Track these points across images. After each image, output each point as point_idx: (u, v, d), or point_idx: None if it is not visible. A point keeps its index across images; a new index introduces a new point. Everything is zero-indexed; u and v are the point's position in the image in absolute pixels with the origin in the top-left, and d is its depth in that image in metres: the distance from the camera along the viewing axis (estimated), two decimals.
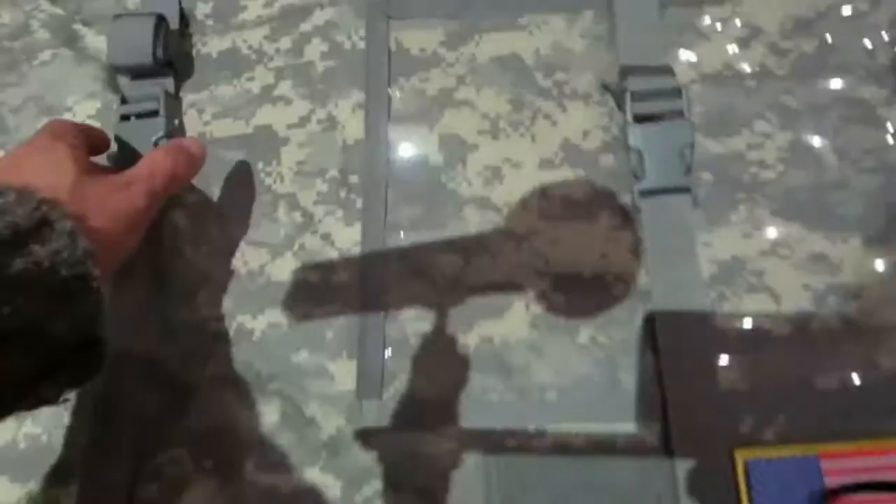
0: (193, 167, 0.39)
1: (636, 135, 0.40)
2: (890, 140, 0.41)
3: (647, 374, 0.38)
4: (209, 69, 0.46)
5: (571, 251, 0.40)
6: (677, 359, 0.38)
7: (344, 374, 0.39)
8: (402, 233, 0.41)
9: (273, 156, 0.44)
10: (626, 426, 0.38)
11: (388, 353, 0.40)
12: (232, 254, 0.42)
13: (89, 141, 0.38)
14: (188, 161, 0.38)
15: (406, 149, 0.43)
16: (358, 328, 0.40)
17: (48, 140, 0.35)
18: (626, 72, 0.42)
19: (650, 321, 0.39)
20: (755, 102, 0.42)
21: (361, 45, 0.45)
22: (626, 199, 0.41)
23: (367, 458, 0.38)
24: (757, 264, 0.39)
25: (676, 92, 0.40)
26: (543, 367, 0.39)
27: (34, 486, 0.39)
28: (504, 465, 0.37)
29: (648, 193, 0.40)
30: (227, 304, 0.41)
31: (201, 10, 0.48)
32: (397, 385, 0.39)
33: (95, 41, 0.48)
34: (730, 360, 0.38)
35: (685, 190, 0.40)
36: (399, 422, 0.38)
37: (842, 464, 0.36)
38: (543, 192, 0.42)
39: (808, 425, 0.37)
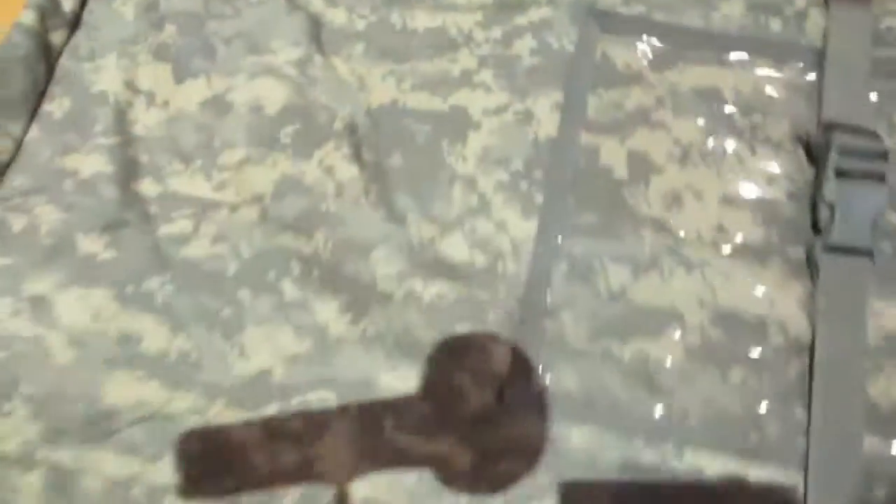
0: None
1: (832, 189, 0.40)
2: None
3: (794, 426, 0.38)
4: (414, 44, 0.48)
5: (739, 290, 0.41)
6: (828, 419, 0.38)
7: (499, 355, 0.40)
8: (576, 236, 0.42)
9: (460, 137, 0.45)
10: (764, 470, 0.38)
11: (546, 344, 0.40)
12: (404, 222, 0.43)
13: None
14: None
15: (593, 156, 0.44)
16: (518, 317, 0.40)
17: None
18: (831, 126, 0.42)
19: (809, 375, 0.39)
20: None
21: (570, 49, 0.46)
22: (800, 251, 0.41)
23: (505, 437, 0.38)
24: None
25: (883, 155, 0.40)
26: (691, 394, 0.39)
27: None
28: (642, 475, 0.37)
29: (830, 250, 0.40)
30: (400, 266, 0.42)
31: None
32: (548, 378, 0.40)
33: None
34: (876, 432, 0.38)
35: (868, 253, 0.40)
36: (543, 410, 0.39)
37: None
38: (721, 228, 0.42)
39: None
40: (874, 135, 0.41)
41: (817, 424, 0.38)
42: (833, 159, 0.40)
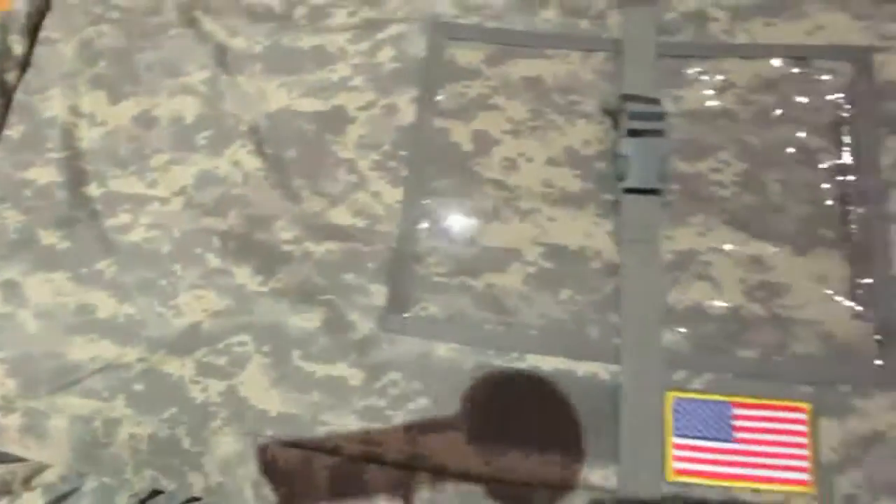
0: None
1: (626, 144, 0.52)
2: (821, 180, 0.52)
3: (609, 329, 0.50)
4: (301, 60, 0.59)
5: (563, 229, 0.52)
6: (635, 322, 0.49)
7: (380, 294, 0.51)
8: (435, 198, 0.53)
9: (341, 130, 0.56)
10: (589, 365, 0.49)
11: (416, 283, 0.51)
12: (299, 199, 0.54)
13: None
14: None
15: (445, 136, 0.55)
16: (393, 264, 0.52)
17: None
18: (625, 98, 0.54)
19: (616, 293, 0.50)
20: (721, 137, 0.54)
21: (422, 54, 0.57)
22: (609, 196, 0.53)
23: (387, 356, 0.49)
24: (705, 257, 0.51)
25: (661, 116, 0.52)
26: (530, 312, 0.50)
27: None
28: (489, 372, 0.49)
29: (629, 192, 0.52)
30: (296, 233, 0.53)
31: (298, 12, 0.61)
32: (418, 308, 0.51)
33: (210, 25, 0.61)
34: (675, 328, 0.49)
35: (657, 192, 0.51)
36: (415, 332, 0.50)
37: (750, 412, 0.47)
38: (547, 182, 0.54)
39: (728, 383, 0.48)
40: (656, 101, 0.53)
41: (626, 327, 0.49)
42: (625, 122, 0.52)
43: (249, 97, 0.58)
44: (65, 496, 0.50)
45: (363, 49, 0.59)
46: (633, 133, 0.52)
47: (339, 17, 0.60)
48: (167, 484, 0.48)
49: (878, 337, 0.48)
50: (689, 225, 0.52)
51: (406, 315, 0.50)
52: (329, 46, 0.59)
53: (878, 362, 0.48)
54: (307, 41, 0.60)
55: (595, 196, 0.53)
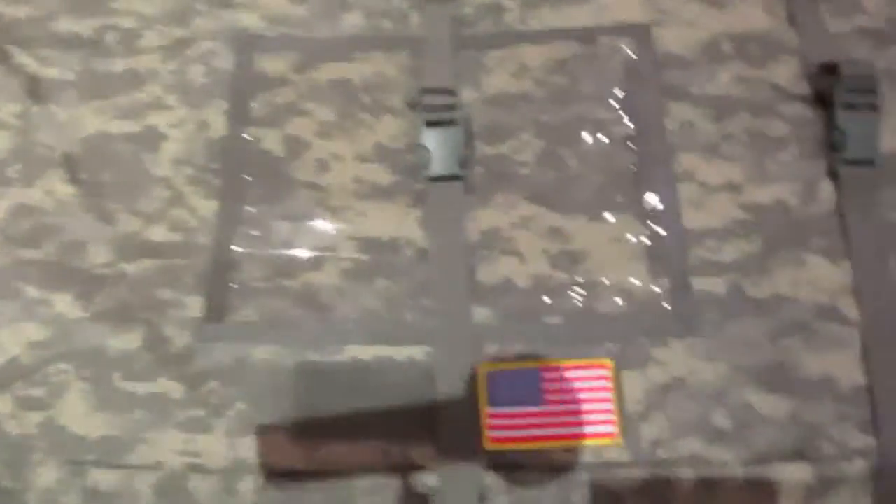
0: None
1: (426, 136, 0.54)
2: (613, 150, 0.55)
3: (423, 312, 0.51)
4: (114, 84, 0.59)
5: (375, 222, 0.54)
6: (446, 301, 0.51)
7: (197, 306, 0.52)
8: (249, 205, 0.54)
9: (155, 149, 0.57)
10: (406, 350, 0.50)
11: (233, 291, 0.52)
12: (113, 221, 0.55)
13: None
14: None
15: (256, 144, 0.56)
16: (210, 274, 0.52)
17: None
18: (424, 91, 0.56)
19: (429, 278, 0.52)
20: (520, 119, 0.56)
21: (230, 68, 0.59)
22: (416, 186, 0.55)
23: (205, 366, 0.50)
24: (509, 233, 0.53)
25: (453, 106, 0.54)
26: (347, 305, 0.52)
27: None
28: (308, 368, 0.50)
29: (433, 180, 0.54)
30: (110, 256, 0.53)
31: (110, 37, 0.61)
32: (235, 315, 0.52)
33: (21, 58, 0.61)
34: (485, 304, 0.51)
35: (459, 178, 0.54)
36: (232, 339, 0.50)
37: (557, 374, 0.49)
38: (357, 179, 0.55)
39: (538, 350, 0.50)
40: (452, 93, 0.56)
41: (438, 307, 0.51)
42: (423, 115, 0.54)
43: (63, 125, 0.58)
44: None
45: (173, 68, 0.59)
46: (431, 124, 0.54)
47: (150, 38, 0.61)
48: None
49: (668, 288, 0.51)
50: (492, 205, 0.54)
51: (221, 324, 0.51)
52: (140, 68, 0.60)
53: (668, 307, 0.50)
54: (119, 65, 0.60)
55: (404, 187, 0.55)
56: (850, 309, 0.51)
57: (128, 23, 0.62)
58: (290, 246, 0.53)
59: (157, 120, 0.58)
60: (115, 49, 0.61)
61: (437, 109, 0.54)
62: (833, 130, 0.54)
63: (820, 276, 0.52)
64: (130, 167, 0.57)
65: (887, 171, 0.54)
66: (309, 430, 0.48)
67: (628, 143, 0.55)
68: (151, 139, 0.57)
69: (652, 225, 0.53)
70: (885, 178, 0.54)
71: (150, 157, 0.57)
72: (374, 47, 0.59)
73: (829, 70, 0.56)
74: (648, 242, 0.53)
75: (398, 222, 0.54)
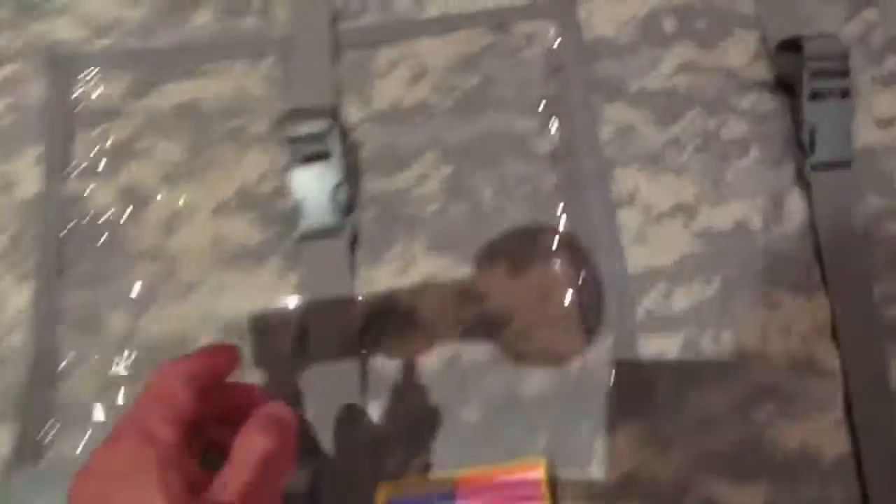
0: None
1: (296, 177, 0.42)
2: (536, 171, 0.44)
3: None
4: None
5: (239, 299, 0.42)
6: (328, 405, 0.40)
7: (6, 439, 0.40)
8: (72, 290, 0.43)
9: None
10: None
11: (54, 420, 0.41)
12: None
13: (205, 382, 0.32)
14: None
15: (83, 204, 0.44)
16: (26, 390, 0.41)
17: (135, 459, 0.28)
18: (291, 116, 0.44)
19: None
20: (420, 138, 0.45)
21: (43, 98, 0.45)
22: (291, 244, 0.43)
23: None
24: (409, 301, 0.42)
25: (321, 136, 0.42)
26: None
27: None
28: None
29: (304, 238, 0.42)
30: None
31: None
32: (56, 450, 0.40)
33: None
34: (379, 402, 0.41)
35: (337, 232, 0.42)
36: (52, 484, 0.40)
37: (477, 486, 0.39)
38: (216, 240, 0.43)
39: (451, 456, 0.40)
40: (324, 112, 0.43)
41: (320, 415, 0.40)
42: (290, 148, 0.42)
43: None
44: None
45: None
46: (302, 160, 0.42)
47: None
48: None
49: (610, 355, 0.41)
50: (386, 261, 0.43)
51: (40, 462, 0.40)
52: None
53: (611, 382, 0.41)
54: None
55: (277, 247, 0.43)
56: (830, 357, 0.41)
57: None
58: (125, 344, 0.42)
59: None
60: None
61: (308, 140, 0.42)
62: (801, 124, 0.44)
63: (793, 319, 0.42)
64: None
65: (865, 173, 0.44)
66: None
67: (555, 161, 0.44)
68: None
69: (586, 268, 0.43)
70: (865, 182, 0.44)
71: None
72: (231, 55, 0.46)
73: (792, 47, 0.44)
74: (582, 294, 0.42)
75: (271, 293, 0.43)
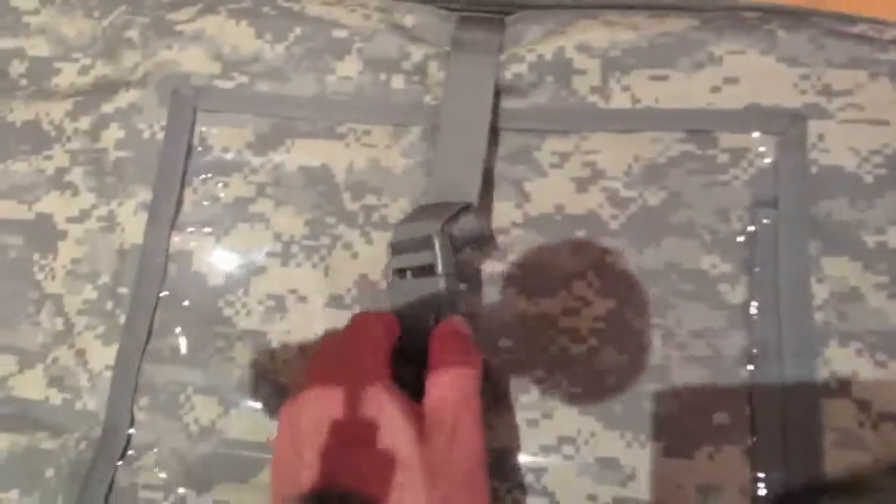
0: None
1: (393, 291, 0.35)
2: (722, 327, 0.35)
3: None
4: (11, 140, 0.42)
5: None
6: None
7: None
8: (159, 364, 0.37)
9: (51, 249, 0.40)
10: None
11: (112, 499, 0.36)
12: None
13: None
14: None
15: (186, 263, 0.38)
16: (89, 472, 0.36)
17: (359, 381, 0.29)
18: (415, 214, 0.36)
19: None
20: (581, 260, 0.36)
21: (161, 135, 0.40)
22: None
23: None
24: (542, 461, 0.34)
25: (427, 241, 0.34)
26: None
27: None
28: None
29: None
30: None
31: (15, 68, 0.44)
32: None
33: None
34: None
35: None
36: None
37: None
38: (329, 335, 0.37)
39: None
40: (469, 213, 0.35)
41: None
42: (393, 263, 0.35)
43: None
44: None
45: (84, 127, 0.41)
46: (400, 273, 0.35)
47: (68, 74, 0.43)
48: None
49: None
50: (518, 408, 0.35)
51: None
52: (45, 122, 0.42)
53: None
54: (20, 114, 0.42)
55: None
56: None
57: (41, 49, 0.44)
58: (210, 437, 0.36)
59: (54, 206, 0.41)
60: (22, 87, 0.43)
61: (405, 248, 0.35)
62: None
63: None
64: (18, 274, 0.40)
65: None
66: None
67: (747, 319, 0.35)
68: (46, 234, 0.40)
69: (765, 466, 0.33)
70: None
71: (45, 262, 0.40)
72: (373, 118, 0.39)
73: None
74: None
75: None
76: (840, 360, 0.34)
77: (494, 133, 0.38)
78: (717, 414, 0.34)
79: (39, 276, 0.40)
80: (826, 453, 0.32)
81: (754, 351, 0.34)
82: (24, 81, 0.43)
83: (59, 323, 0.39)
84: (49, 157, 0.41)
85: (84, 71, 0.43)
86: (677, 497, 0.33)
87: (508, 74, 0.38)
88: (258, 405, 0.36)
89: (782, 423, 0.33)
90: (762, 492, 0.33)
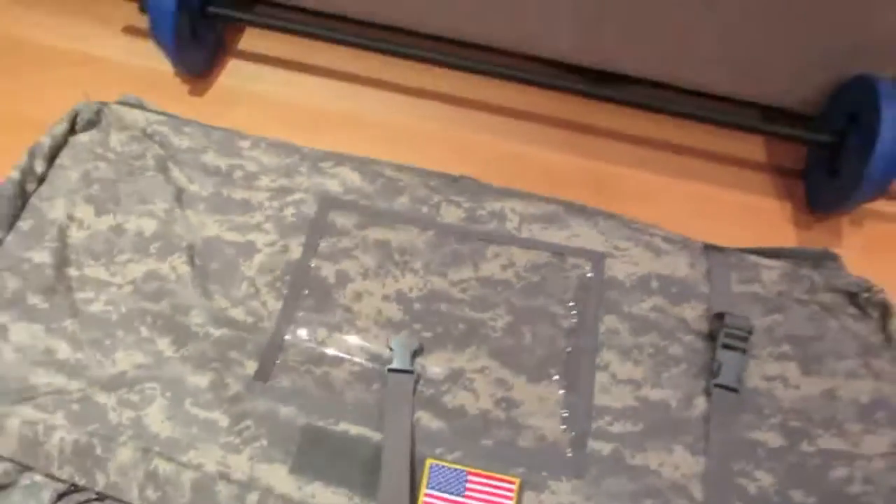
0: None
1: (394, 341, 0.80)
2: (557, 335, 0.80)
3: None
4: (231, 206, 0.87)
5: (382, 343, 0.79)
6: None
7: (252, 368, 0.76)
8: (302, 312, 0.80)
9: (250, 257, 0.83)
10: (378, 436, 0.74)
11: (277, 365, 0.77)
12: (211, 297, 0.80)
13: None
14: None
15: (317, 271, 0.83)
16: (265, 350, 0.77)
17: None
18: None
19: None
20: (500, 298, 0.82)
21: (312, 214, 0.86)
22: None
23: (246, 409, 0.74)
24: (470, 375, 0.77)
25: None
26: (350, 394, 0.76)
27: None
28: (312, 429, 0.73)
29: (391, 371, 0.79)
30: (202, 320, 0.79)
31: (237, 174, 0.89)
32: (274, 381, 0.76)
33: (176, 173, 0.89)
34: (441, 419, 0.75)
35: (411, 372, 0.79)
36: (268, 397, 0.75)
37: (478, 479, 0.71)
38: (378, 312, 0.81)
39: (470, 459, 0.73)
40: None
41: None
42: (397, 342, 0.80)
43: (193, 225, 0.85)
44: (3, 486, 0.72)
45: (275, 205, 0.86)
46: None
47: (264, 181, 0.89)
48: (79, 479, 0.70)
49: (570, 441, 0.74)
50: (464, 353, 0.78)
51: (265, 384, 0.75)
52: (253, 200, 0.87)
53: (568, 454, 0.73)
54: (239, 194, 0.87)
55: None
56: (698, 492, 0.72)
57: (252, 167, 0.90)
58: (322, 345, 0.78)
59: (256, 238, 0.84)
60: (239, 182, 0.89)
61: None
62: (713, 361, 0.78)
63: (680, 462, 0.73)
64: (230, 264, 0.83)
65: (747, 400, 0.77)
66: (302, 469, 0.71)
67: (570, 333, 0.80)
68: (248, 250, 0.84)
69: (571, 395, 0.77)
70: (744, 405, 0.77)
71: (245, 262, 0.83)
72: (412, 223, 0.86)
73: (720, 317, 0.80)
74: (565, 408, 0.76)
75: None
76: (606, 358, 0.80)
77: (464, 238, 0.85)
78: (550, 369, 0.78)
79: (242, 269, 0.82)
80: None
81: (571, 351, 0.80)
82: (240, 180, 0.89)
83: (252, 290, 0.81)
84: (253, 216, 0.86)
85: (272, 181, 0.89)
86: None
87: (476, 213, 0.86)
88: (342, 337, 0.79)
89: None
90: None
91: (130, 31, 1.10)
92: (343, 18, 1.05)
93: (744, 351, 0.78)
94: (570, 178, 0.99)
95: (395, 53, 0.98)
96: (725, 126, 0.98)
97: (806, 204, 0.99)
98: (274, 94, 1.06)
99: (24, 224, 0.84)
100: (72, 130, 0.91)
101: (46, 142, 0.89)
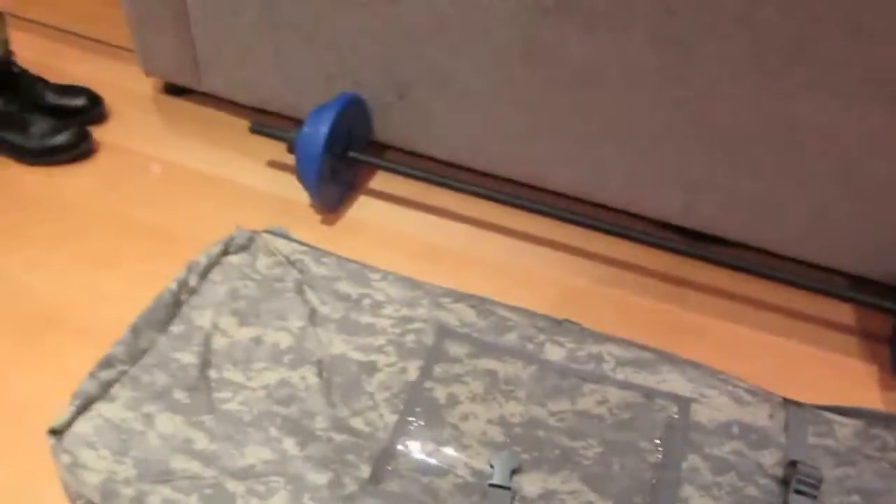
0: None
1: (493, 456, 0.88)
2: (644, 467, 0.86)
3: None
4: (359, 328, 0.98)
5: (483, 460, 0.86)
6: None
7: (366, 471, 0.84)
8: (414, 425, 0.88)
9: (371, 374, 0.93)
10: None
11: (388, 471, 0.84)
12: (335, 407, 0.90)
13: None
14: None
15: (430, 392, 0.92)
16: (379, 457, 0.85)
17: None
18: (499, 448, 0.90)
19: None
20: (593, 430, 0.89)
21: (429, 343, 0.96)
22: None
23: None
24: (562, 496, 0.83)
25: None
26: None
27: None
28: None
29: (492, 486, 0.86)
30: (326, 424, 0.88)
31: (365, 301, 1.01)
32: (385, 485, 0.83)
33: (311, 296, 1.01)
34: None
35: (508, 488, 0.86)
36: (380, 499, 0.81)
37: None
38: (483, 433, 0.88)
39: None
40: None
41: None
42: (500, 460, 0.88)
43: (322, 342, 0.96)
44: None
45: (397, 332, 0.97)
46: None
47: (388, 310, 1.00)
48: None
49: None
50: (557, 476, 0.84)
51: (377, 486, 0.82)
52: (378, 325, 0.98)
53: None
54: (366, 319, 0.99)
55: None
56: None
57: (379, 296, 1.02)
58: (430, 457, 0.86)
59: (378, 358, 0.95)
60: (367, 309, 1.00)
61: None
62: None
63: None
64: (353, 379, 0.93)
65: None
66: None
67: (655, 467, 0.86)
68: (370, 368, 0.94)
69: None
70: None
71: (367, 378, 0.93)
72: (518, 358, 0.95)
73: (794, 465, 0.85)
74: None
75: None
76: (686, 492, 0.85)
77: (565, 375, 0.94)
78: (635, 497, 0.84)
79: (364, 384, 0.92)
80: None
81: (655, 483, 0.85)
82: (367, 307, 1.00)
83: (371, 403, 0.90)
84: (377, 339, 0.96)
85: (396, 310, 1.00)
86: None
87: (575, 354, 0.95)
88: (448, 452, 0.86)
89: None
90: None
91: (273, 164, 1.31)
92: (463, 167, 1.22)
93: (815, 497, 0.83)
94: (662, 326, 1.10)
95: (511, 204, 1.13)
96: (816, 292, 1.07)
97: (891, 368, 1.06)
98: (395, 228, 1.22)
99: (175, 328, 0.97)
100: (224, 252, 1.05)
101: (203, 260, 1.03)
